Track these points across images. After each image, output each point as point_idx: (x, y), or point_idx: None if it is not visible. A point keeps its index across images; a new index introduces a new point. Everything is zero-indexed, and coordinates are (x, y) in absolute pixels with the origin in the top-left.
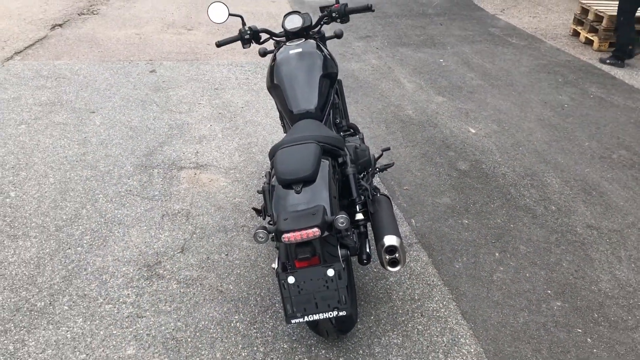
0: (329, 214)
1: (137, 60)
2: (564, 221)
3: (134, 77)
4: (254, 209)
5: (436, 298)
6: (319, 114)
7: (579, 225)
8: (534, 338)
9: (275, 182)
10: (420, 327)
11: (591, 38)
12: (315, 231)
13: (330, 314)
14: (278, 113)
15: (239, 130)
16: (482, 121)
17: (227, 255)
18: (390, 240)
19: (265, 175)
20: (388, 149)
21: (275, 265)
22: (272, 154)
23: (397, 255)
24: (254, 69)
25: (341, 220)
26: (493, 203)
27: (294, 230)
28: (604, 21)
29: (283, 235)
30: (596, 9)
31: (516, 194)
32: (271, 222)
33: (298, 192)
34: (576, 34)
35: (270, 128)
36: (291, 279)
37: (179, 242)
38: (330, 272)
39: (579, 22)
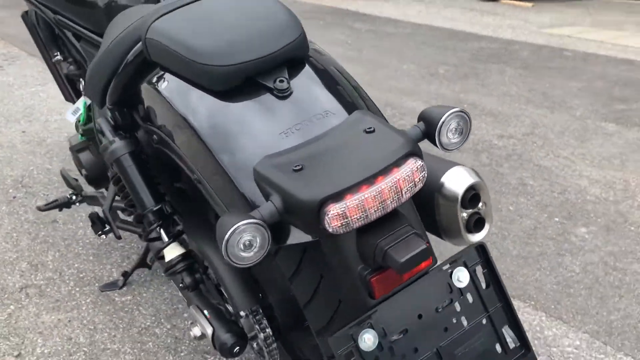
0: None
1: None
2: (472, 138)
3: None
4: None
5: None
6: None
7: (492, 137)
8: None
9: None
10: None
11: None
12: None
13: None
14: None
15: None
16: None
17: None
18: (461, 177)
19: None
20: None
21: (197, 331)
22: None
23: (481, 205)
24: None
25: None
26: None
27: (354, 188)
28: None
29: (327, 208)
30: None
31: (396, 121)
32: None
33: None
34: None
35: None
36: (369, 338)
37: None
38: (463, 277)
39: None
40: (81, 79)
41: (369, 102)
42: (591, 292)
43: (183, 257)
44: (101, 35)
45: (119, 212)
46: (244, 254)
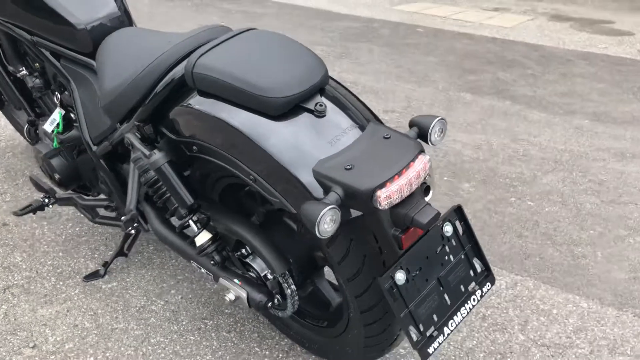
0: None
1: None
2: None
3: None
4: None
5: None
6: None
7: (379, 112)
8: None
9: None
10: None
11: None
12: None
13: (474, 300)
14: None
15: None
16: None
17: None
18: None
19: None
20: None
21: (231, 296)
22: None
23: (428, 177)
24: None
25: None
26: None
27: (392, 178)
28: None
29: (377, 193)
30: None
31: None
32: None
33: None
34: None
35: None
36: (401, 276)
37: None
38: (448, 229)
39: None
40: (57, 93)
41: (370, 113)
42: (483, 232)
43: (212, 240)
44: (86, 55)
45: (98, 210)
46: (328, 229)
